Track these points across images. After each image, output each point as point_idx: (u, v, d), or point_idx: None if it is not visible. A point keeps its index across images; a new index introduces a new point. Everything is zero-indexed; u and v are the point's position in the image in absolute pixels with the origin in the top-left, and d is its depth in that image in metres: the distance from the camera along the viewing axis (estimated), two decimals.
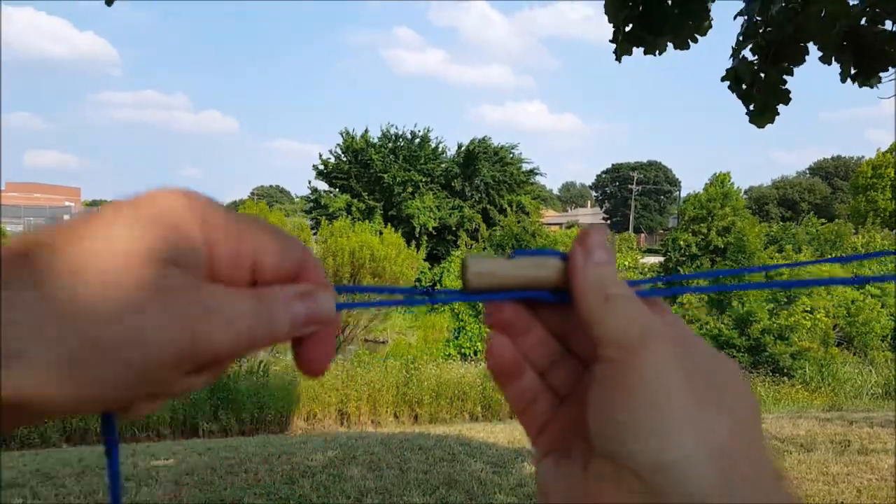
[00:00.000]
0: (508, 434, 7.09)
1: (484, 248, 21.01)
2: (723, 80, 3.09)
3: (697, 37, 3.03)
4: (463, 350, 14.18)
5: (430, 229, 28.24)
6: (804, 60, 2.89)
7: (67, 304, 0.26)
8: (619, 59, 3.24)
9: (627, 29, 3.13)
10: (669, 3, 3.00)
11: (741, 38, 3.00)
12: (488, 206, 29.88)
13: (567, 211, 75.02)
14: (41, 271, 0.26)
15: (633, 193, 60.41)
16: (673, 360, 0.33)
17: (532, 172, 31.66)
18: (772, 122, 3.00)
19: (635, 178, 61.20)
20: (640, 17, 3.03)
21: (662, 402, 0.32)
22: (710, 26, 3.04)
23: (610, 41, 3.24)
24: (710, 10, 3.03)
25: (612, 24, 3.20)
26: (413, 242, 18.20)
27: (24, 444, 8.25)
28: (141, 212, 0.29)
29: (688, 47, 3.06)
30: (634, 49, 3.20)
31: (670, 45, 3.13)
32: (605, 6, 3.19)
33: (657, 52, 3.13)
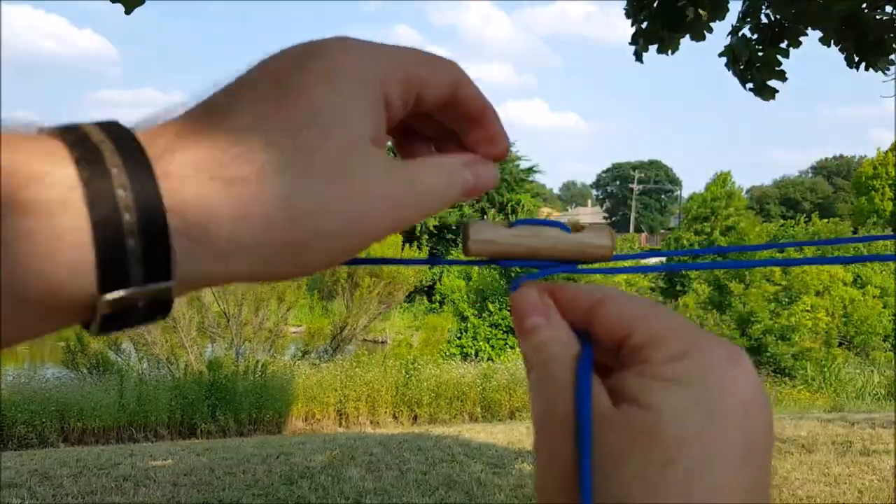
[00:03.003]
0: (508, 435, 7.07)
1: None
2: (720, 55, 3.09)
3: (712, 25, 3.02)
4: (465, 350, 14.16)
5: (431, 228, 28.24)
6: (800, 43, 2.89)
7: (296, 197, 0.28)
8: (639, 59, 3.24)
9: (644, 26, 3.13)
10: (684, 1, 2.99)
11: (742, 16, 2.99)
12: (486, 205, 29.89)
13: (567, 210, 75.07)
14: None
15: (633, 192, 60.41)
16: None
17: (531, 170, 31.64)
18: (773, 97, 3.00)
19: (636, 177, 61.17)
20: (658, 15, 3.02)
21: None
22: (728, 11, 3.02)
23: (630, 43, 3.23)
24: (727, 2, 3.02)
25: (632, 26, 3.19)
26: (413, 242, 18.19)
27: (21, 444, 8.23)
28: (346, 85, 0.30)
29: (703, 38, 3.06)
30: (650, 47, 3.20)
31: (683, 40, 3.13)
32: (627, 7, 3.19)
33: (670, 50, 3.13)
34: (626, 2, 3.18)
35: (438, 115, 0.36)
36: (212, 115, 0.28)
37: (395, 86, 0.32)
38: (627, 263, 0.46)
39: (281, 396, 9.77)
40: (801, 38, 2.90)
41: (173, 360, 11.16)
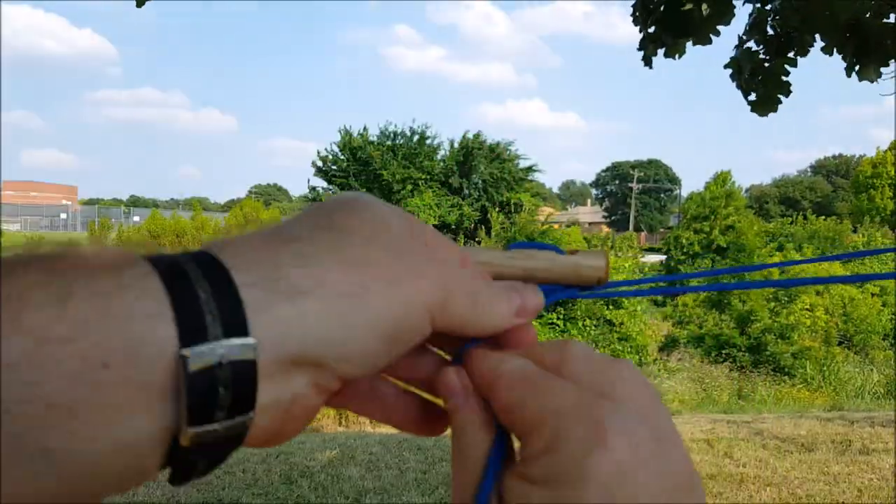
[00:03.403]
0: None
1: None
2: (725, 67, 3.08)
3: (719, 28, 3.02)
4: None
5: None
6: (808, 51, 2.89)
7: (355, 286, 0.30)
8: (649, 64, 3.24)
9: (651, 31, 3.12)
10: (689, 4, 2.98)
11: (748, 28, 2.99)
12: (487, 204, 29.85)
13: (567, 209, 75.04)
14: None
15: (633, 192, 60.38)
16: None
17: (530, 169, 31.60)
18: (774, 111, 3.00)
19: (635, 176, 61.15)
20: (663, 19, 3.02)
21: None
22: (734, 16, 3.02)
23: (638, 49, 3.23)
24: (734, 5, 3.01)
25: (640, 31, 3.19)
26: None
27: None
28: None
29: (710, 42, 3.05)
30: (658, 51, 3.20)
31: (688, 45, 3.13)
32: (633, 13, 3.19)
33: (677, 54, 3.13)
34: (632, 8, 3.17)
35: None
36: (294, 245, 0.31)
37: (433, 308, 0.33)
38: (626, 288, 0.47)
39: None
40: (811, 44, 2.90)
41: None
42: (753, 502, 4.74)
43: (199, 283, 0.26)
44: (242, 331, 0.26)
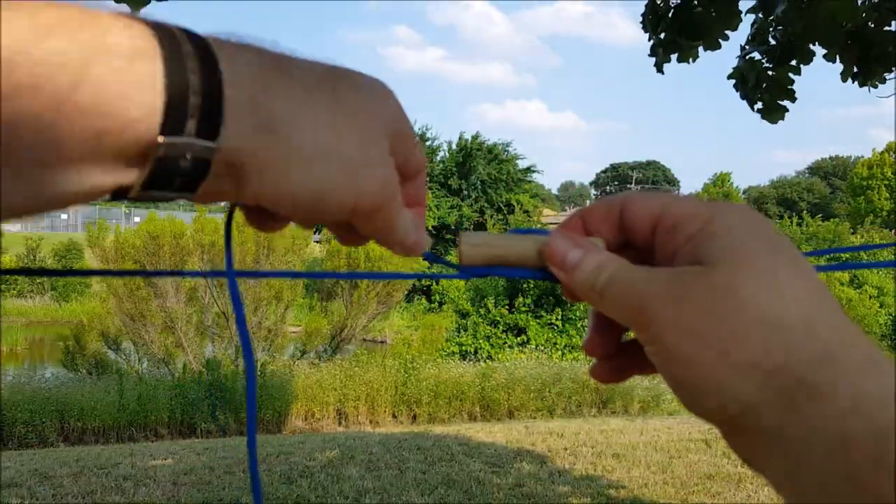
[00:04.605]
0: (506, 434, 7.09)
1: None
2: (729, 77, 3.10)
3: (728, 33, 3.04)
4: (464, 348, 14.16)
5: (430, 228, 28.23)
6: (812, 59, 2.91)
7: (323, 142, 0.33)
8: (660, 70, 3.26)
9: (661, 36, 3.13)
10: (699, 7, 3.00)
11: (751, 38, 3.01)
12: (485, 205, 29.85)
13: (566, 210, 75.03)
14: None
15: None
16: (688, 311, 0.33)
17: (529, 170, 31.60)
18: (782, 118, 3.02)
19: (634, 177, 61.20)
20: (675, 24, 3.03)
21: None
22: (741, 20, 3.04)
23: (649, 55, 3.24)
24: (739, 8, 3.03)
25: (650, 38, 3.20)
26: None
27: (21, 443, 8.23)
28: (380, 103, 0.37)
29: (719, 46, 3.07)
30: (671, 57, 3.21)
31: (700, 48, 3.14)
32: (643, 21, 3.20)
33: (691, 59, 3.15)
34: (642, 15, 3.18)
35: None
36: (277, 57, 0.33)
37: (398, 141, 0.38)
38: None
39: (281, 396, 9.78)
40: (813, 53, 2.92)
41: (170, 361, 11.18)
42: (752, 502, 4.76)
43: (192, 86, 0.29)
44: (213, 135, 0.30)
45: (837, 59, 2.93)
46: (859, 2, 2.79)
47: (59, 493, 4.82)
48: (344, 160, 0.33)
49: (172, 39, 0.29)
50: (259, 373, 10.38)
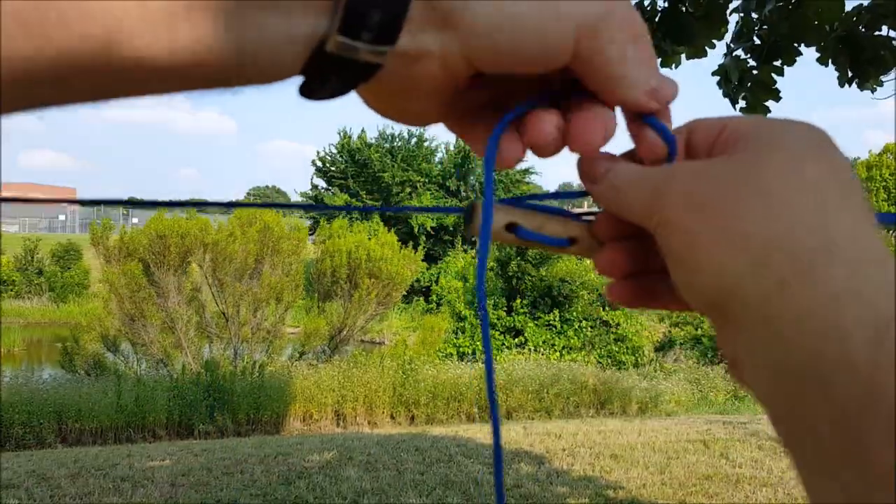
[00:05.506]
0: (504, 434, 7.09)
1: None
2: (713, 74, 3.11)
3: (715, 42, 3.03)
4: (461, 349, 14.17)
5: (429, 229, 28.23)
6: (795, 60, 2.91)
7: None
8: None
9: None
10: (688, 10, 3.00)
11: (736, 36, 3.01)
12: None
13: None
14: None
15: None
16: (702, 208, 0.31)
17: (527, 172, 31.65)
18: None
19: None
20: (662, 28, 3.03)
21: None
22: (727, 30, 3.04)
23: None
24: (727, 15, 3.03)
25: None
26: (411, 243, 18.20)
27: (19, 444, 8.22)
28: None
29: (705, 54, 3.06)
30: None
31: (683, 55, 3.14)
32: None
33: (674, 64, 3.15)
34: None
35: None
36: None
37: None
38: None
39: (279, 397, 9.78)
40: (798, 54, 2.92)
41: (168, 362, 11.17)
42: (749, 503, 4.77)
43: None
44: None
45: (830, 63, 2.93)
46: (849, 5, 2.80)
47: (57, 494, 4.81)
48: None
49: None
50: (258, 374, 10.38)
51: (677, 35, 3.01)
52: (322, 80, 0.30)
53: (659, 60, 3.22)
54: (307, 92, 0.30)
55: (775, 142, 0.31)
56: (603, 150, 0.36)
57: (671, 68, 3.15)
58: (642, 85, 0.33)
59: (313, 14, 0.27)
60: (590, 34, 0.30)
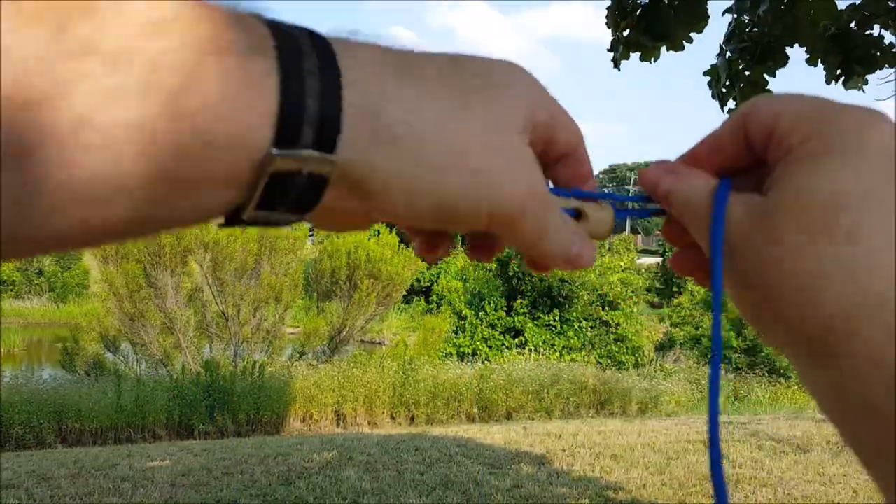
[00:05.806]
0: (505, 435, 7.09)
1: None
2: (705, 74, 3.11)
3: (692, 36, 3.04)
4: (462, 349, 14.16)
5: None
6: (787, 62, 2.91)
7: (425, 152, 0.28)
8: (617, 66, 3.26)
9: (626, 34, 3.14)
10: (667, 3, 3.00)
11: (728, 37, 3.01)
12: None
13: None
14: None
15: (630, 194, 60.44)
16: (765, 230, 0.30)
17: None
18: None
19: (632, 178, 61.26)
20: (640, 23, 3.03)
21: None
22: (707, 23, 3.04)
23: (608, 50, 3.25)
24: (708, 10, 3.03)
25: (612, 33, 3.20)
26: (410, 244, 18.23)
27: (19, 445, 8.22)
28: (514, 90, 0.32)
29: (682, 48, 3.07)
30: (630, 55, 3.21)
31: (663, 48, 3.14)
32: (607, 16, 3.20)
33: (653, 58, 3.14)
34: (607, 10, 3.18)
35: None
36: (390, 50, 0.30)
37: (539, 126, 0.33)
38: None
39: (279, 397, 9.77)
40: (788, 55, 2.92)
41: (168, 362, 11.16)
42: (749, 503, 4.77)
43: (310, 89, 0.26)
44: (331, 148, 0.26)
45: (819, 63, 2.94)
46: (840, 5, 2.80)
47: (57, 494, 4.81)
48: (478, 162, 0.29)
49: (288, 35, 0.26)
50: (258, 374, 10.37)
51: (656, 30, 3.02)
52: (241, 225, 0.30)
53: (638, 55, 3.23)
54: (232, 222, 0.30)
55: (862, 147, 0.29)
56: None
57: (651, 62, 3.16)
58: (560, 254, 0.34)
59: (234, 188, 0.26)
60: (505, 223, 0.31)
